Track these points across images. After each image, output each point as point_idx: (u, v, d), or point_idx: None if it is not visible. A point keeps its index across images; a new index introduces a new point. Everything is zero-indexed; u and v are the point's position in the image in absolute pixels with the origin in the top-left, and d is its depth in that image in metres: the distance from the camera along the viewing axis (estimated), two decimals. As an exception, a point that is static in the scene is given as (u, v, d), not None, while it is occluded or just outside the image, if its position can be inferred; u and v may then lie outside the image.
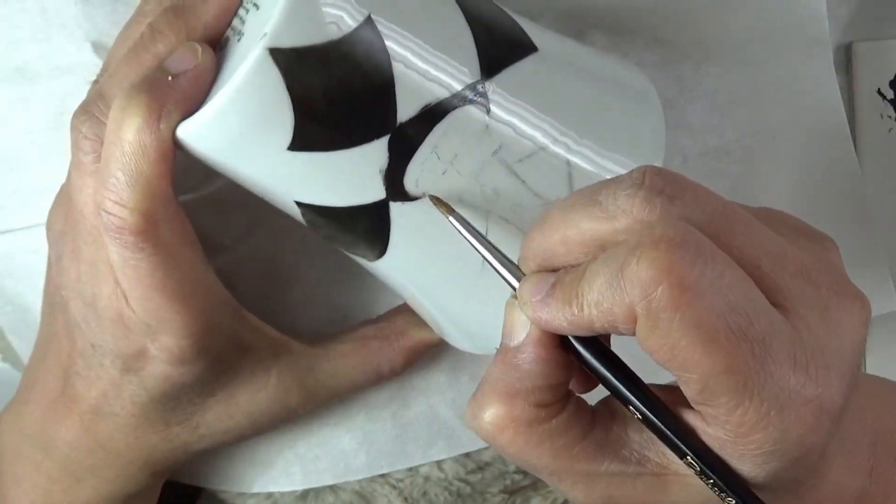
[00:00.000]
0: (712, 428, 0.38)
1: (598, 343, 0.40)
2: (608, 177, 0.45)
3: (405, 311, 0.51)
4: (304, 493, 0.57)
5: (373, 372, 0.51)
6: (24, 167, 0.52)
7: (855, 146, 0.58)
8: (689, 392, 0.37)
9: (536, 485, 0.58)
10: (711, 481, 0.38)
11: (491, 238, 0.44)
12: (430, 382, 0.55)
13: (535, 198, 0.44)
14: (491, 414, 0.40)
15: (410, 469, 0.56)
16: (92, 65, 0.50)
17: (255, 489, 0.56)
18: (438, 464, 0.56)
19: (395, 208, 0.43)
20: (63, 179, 0.47)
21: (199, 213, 0.47)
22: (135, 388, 0.47)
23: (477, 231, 0.42)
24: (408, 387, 0.55)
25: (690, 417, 0.39)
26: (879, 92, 0.59)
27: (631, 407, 0.39)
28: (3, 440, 0.51)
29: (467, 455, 0.56)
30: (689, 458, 0.39)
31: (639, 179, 0.38)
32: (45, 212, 0.48)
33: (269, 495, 0.57)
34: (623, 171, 0.44)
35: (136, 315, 0.44)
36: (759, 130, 0.55)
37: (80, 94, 0.50)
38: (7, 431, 0.51)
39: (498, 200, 0.44)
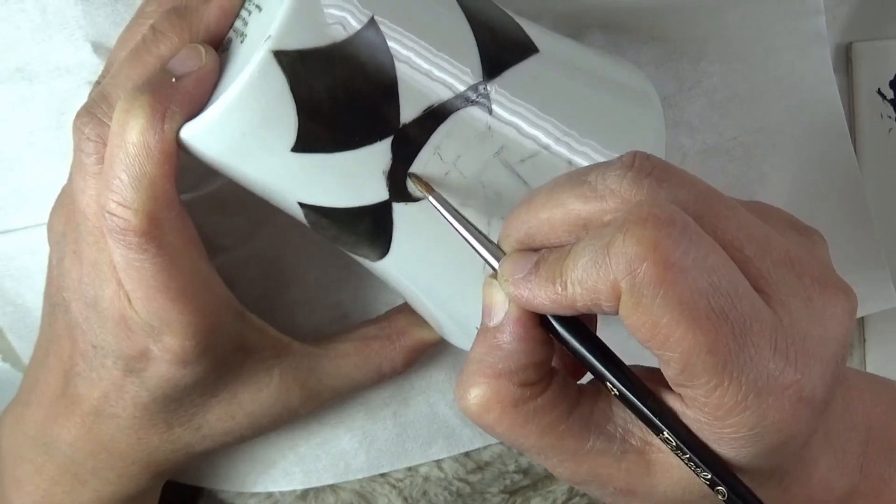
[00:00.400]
0: (691, 410, 0.38)
1: (577, 321, 0.40)
2: None
3: (406, 310, 0.51)
4: (305, 493, 0.57)
5: (374, 371, 0.51)
6: (23, 167, 0.52)
7: (855, 146, 0.58)
8: (669, 372, 0.38)
9: (536, 485, 0.58)
10: (687, 456, 0.39)
11: (493, 239, 0.44)
12: (430, 382, 0.55)
13: None
14: (476, 395, 0.40)
15: (410, 469, 0.56)
16: (92, 65, 0.50)
17: (256, 489, 0.56)
18: (438, 463, 0.56)
19: (398, 209, 0.44)
20: (63, 179, 0.47)
21: (199, 212, 0.47)
22: (137, 389, 0.47)
23: (456, 210, 0.42)
24: (407, 386, 0.55)
25: (670, 399, 0.39)
26: (879, 92, 0.59)
27: (608, 384, 0.39)
28: (3, 441, 0.51)
29: (467, 455, 0.56)
30: (664, 433, 0.39)
31: (628, 162, 0.38)
32: (46, 212, 0.48)
33: (270, 495, 0.57)
34: None
35: (138, 316, 0.44)
36: (758, 128, 0.55)
37: (81, 95, 0.49)
38: (8, 433, 0.51)
39: (500, 202, 0.44)
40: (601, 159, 0.45)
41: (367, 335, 0.51)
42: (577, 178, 0.39)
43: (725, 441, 0.38)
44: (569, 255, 0.38)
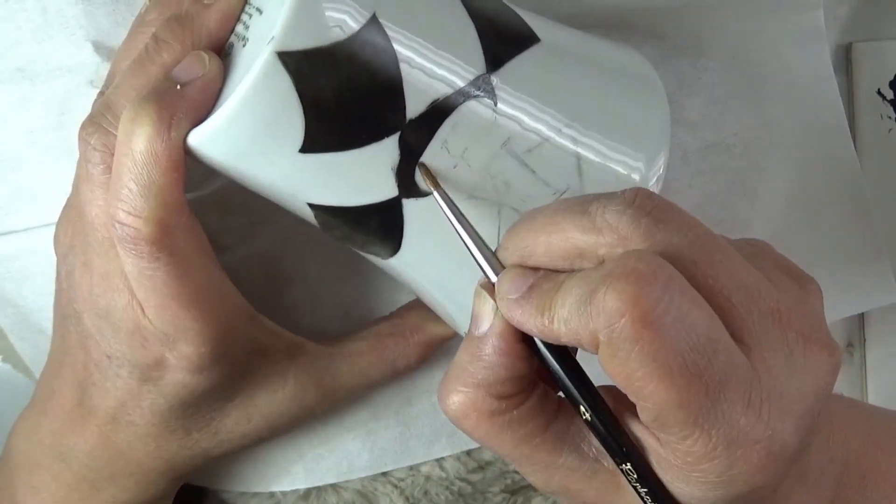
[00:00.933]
0: (664, 450, 0.39)
1: (559, 346, 0.40)
2: (616, 165, 0.45)
3: (418, 306, 0.52)
4: (307, 493, 0.57)
5: (389, 368, 0.51)
6: (24, 168, 0.52)
7: (855, 146, 0.58)
8: (643, 417, 0.38)
9: (537, 484, 0.58)
10: (644, 490, 0.40)
11: (504, 230, 0.44)
12: (433, 381, 0.55)
13: (546, 187, 0.44)
14: (455, 401, 0.41)
15: (412, 468, 0.57)
16: (93, 64, 0.50)
17: (258, 489, 0.56)
18: (440, 463, 0.56)
19: (408, 205, 0.44)
20: (65, 180, 0.47)
21: (199, 213, 0.46)
22: (154, 397, 0.47)
23: (458, 210, 0.42)
24: (411, 385, 0.55)
25: (646, 433, 0.40)
26: (879, 92, 0.59)
27: (581, 407, 0.40)
28: (19, 450, 0.51)
29: (468, 454, 0.57)
30: (626, 466, 0.40)
31: (630, 198, 0.39)
32: (47, 213, 0.48)
33: (272, 495, 0.57)
34: (631, 159, 0.45)
35: (153, 325, 0.44)
36: (758, 125, 0.55)
37: (82, 94, 0.50)
38: (24, 441, 0.51)
39: (509, 192, 0.44)
40: (607, 148, 0.45)
41: (381, 332, 0.51)
42: (579, 207, 0.39)
43: (693, 482, 0.39)
44: (559, 291, 0.39)
